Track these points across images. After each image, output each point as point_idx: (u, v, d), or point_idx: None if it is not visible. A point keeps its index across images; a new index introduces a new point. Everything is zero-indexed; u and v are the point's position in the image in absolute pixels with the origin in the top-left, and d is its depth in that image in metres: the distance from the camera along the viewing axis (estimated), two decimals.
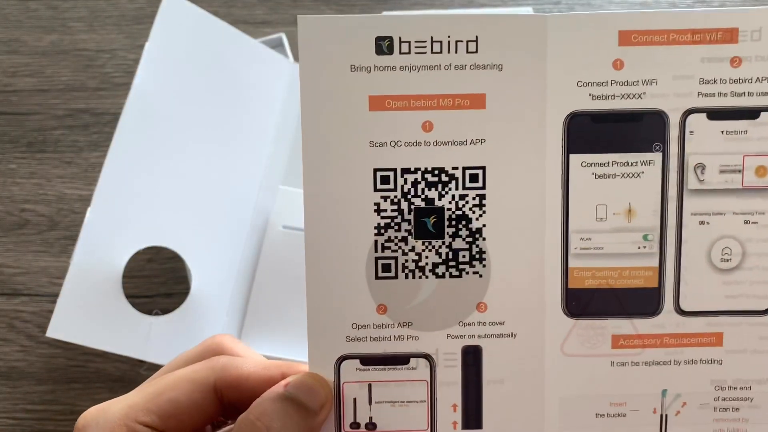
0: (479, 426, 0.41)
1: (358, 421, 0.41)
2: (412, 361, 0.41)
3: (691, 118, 0.39)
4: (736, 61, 0.39)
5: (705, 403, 0.41)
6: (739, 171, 0.39)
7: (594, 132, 0.39)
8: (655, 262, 0.40)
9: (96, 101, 0.77)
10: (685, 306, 0.41)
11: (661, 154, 0.39)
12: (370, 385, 0.41)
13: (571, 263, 0.40)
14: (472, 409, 0.41)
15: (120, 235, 0.60)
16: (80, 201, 0.73)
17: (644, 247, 0.40)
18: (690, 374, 0.41)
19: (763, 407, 0.41)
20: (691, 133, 0.39)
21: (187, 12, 0.67)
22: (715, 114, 0.39)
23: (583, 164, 0.40)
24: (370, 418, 0.41)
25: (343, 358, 0.40)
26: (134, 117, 0.61)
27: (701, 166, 0.40)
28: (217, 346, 0.42)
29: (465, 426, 0.41)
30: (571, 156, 0.40)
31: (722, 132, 0.39)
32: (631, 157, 0.39)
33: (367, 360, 0.40)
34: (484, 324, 0.40)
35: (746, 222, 0.40)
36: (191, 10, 0.67)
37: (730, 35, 0.39)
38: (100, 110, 0.76)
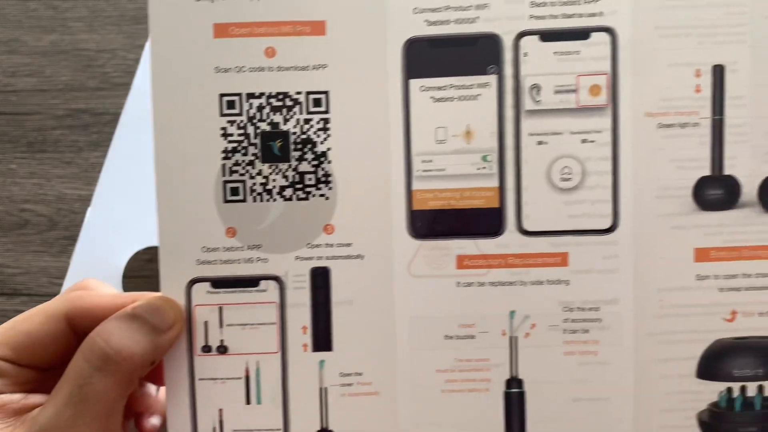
0: (329, 348, 0.42)
1: (209, 344, 0.42)
2: (262, 283, 0.41)
3: (524, 40, 0.40)
4: None
5: (554, 324, 0.41)
6: (574, 91, 0.41)
7: (431, 57, 0.41)
8: (496, 183, 0.41)
9: (96, 101, 0.78)
10: (528, 226, 0.41)
11: (496, 76, 0.41)
12: (220, 308, 0.41)
13: (415, 185, 0.41)
14: (321, 331, 0.42)
15: (120, 235, 0.61)
16: (80, 201, 0.74)
17: (484, 167, 0.41)
18: (537, 295, 0.41)
19: (613, 328, 0.41)
20: (525, 54, 0.41)
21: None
22: (547, 35, 0.40)
23: (422, 88, 0.41)
24: (222, 341, 0.42)
25: (193, 281, 0.41)
26: (134, 117, 0.64)
27: (536, 87, 0.41)
28: (80, 285, 0.44)
29: (315, 348, 0.42)
30: (411, 81, 0.41)
31: (555, 53, 0.40)
32: (468, 80, 0.41)
33: (218, 283, 0.41)
34: (332, 246, 0.41)
35: (584, 141, 0.41)
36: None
37: None
38: (100, 110, 0.78)
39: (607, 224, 0.41)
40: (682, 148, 0.41)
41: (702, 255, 0.41)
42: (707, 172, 0.41)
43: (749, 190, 0.41)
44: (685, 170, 0.41)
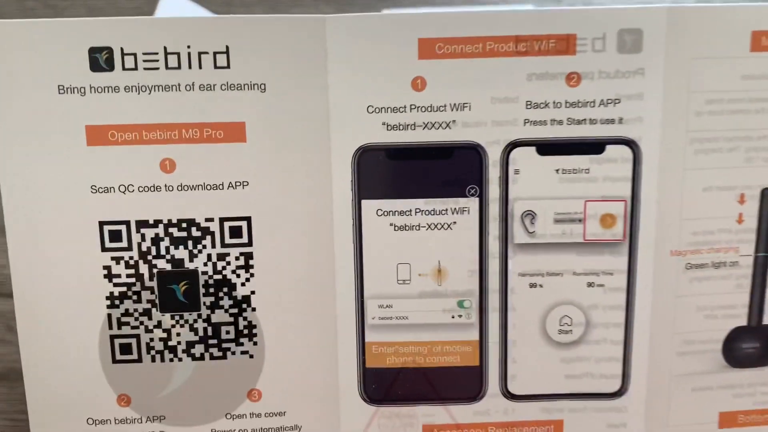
0: None
1: None
2: None
3: (515, 152, 0.30)
4: (573, 78, 0.29)
5: None
6: (580, 220, 0.31)
7: (391, 172, 0.30)
8: (475, 335, 0.32)
9: None
10: (514, 388, 0.32)
11: (477, 199, 0.30)
12: None
13: (369, 337, 0.31)
14: None
15: None
16: None
17: (460, 316, 0.31)
18: None
19: None
20: (517, 172, 0.30)
21: (186, 10, 0.61)
22: (546, 148, 0.30)
23: (380, 213, 0.30)
24: None
25: None
26: None
27: (531, 215, 0.31)
28: None
29: None
30: (363, 202, 0.30)
31: (557, 171, 0.30)
32: (440, 203, 0.30)
33: None
34: (259, 416, 0.32)
35: (590, 285, 0.31)
36: (190, 9, 0.62)
37: (565, 44, 0.29)
38: None
39: (614, 387, 0.32)
40: (714, 293, 0.31)
41: (728, 420, 0.33)
42: (742, 321, 0.32)
43: None
44: (715, 320, 0.32)
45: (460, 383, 0.32)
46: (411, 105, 0.29)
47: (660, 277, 0.31)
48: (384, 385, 0.32)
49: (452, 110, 0.30)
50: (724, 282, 0.31)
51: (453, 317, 0.31)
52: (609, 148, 0.30)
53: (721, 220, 0.31)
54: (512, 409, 0.32)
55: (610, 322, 0.31)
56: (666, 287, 0.31)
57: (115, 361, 0.31)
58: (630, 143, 0.30)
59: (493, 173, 0.30)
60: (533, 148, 0.30)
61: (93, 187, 0.29)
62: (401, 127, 0.30)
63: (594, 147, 0.30)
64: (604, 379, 0.32)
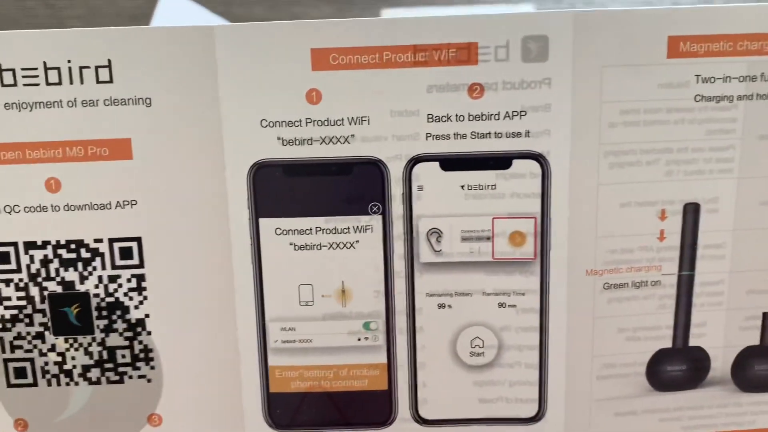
0: None
1: None
2: None
3: (418, 168, 0.28)
4: (476, 90, 0.28)
5: None
6: (488, 238, 0.29)
7: (289, 189, 0.29)
8: (383, 358, 0.30)
9: None
10: (426, 413, 0.31)
11: (380, 216, 0.29)
12: None
13: (272, 360, 0.30)
14: None
15: None
16: None
17: (366, 338, 0.30)
18: None
19: None
20: (420, 188, 0.29)
21: (185, 9, 0.61)
22: (451, 163, 0.28)
23: (278, 231, 0.29)
24: None
25: None
26: None
27: (436, 233, 0.29)
28: None
29: None
30: (261, 221, 0.29)
31: (462, 187, 0.28)
32: (341, 221, 0.29)
33: None
34: None
35: (501, 305, 0.29)
36: (189, 8, 0.62)
37: (467, 53, 0.27)
38: None
39: (531, 412, 0.30)
40: (635, 314, 0.30)
41: None
42: (667, 343, 0.30)
43: (720, 364, 0.30)
44: (638, 342, 0.30)
45: (369, 408, 0.31)
46: (306, 119, 0.28)
47: (575, 298, 0.29)
48: (289, 410, 0.31)
49: (350, 124, 0.28)
50: (645, 302, 0.29)
51: (359, 339, 0.30)
52: (516, 162, 0.28)
53: (641, 237, 0.29)
54: None
55: (524, 344, 0.30)
56: (582, 308, 0.29)
57: (10, 385, 0.30)
58: (538, 157, 0.28)
59: (396, 190, 0.29)
60: (437, 164, 0.28)
61: None
62: (297, 142, 0.28)
63: (500, 162, 0.28)
64: (520, 403, 0.30)
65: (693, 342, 0.30)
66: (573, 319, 0.29)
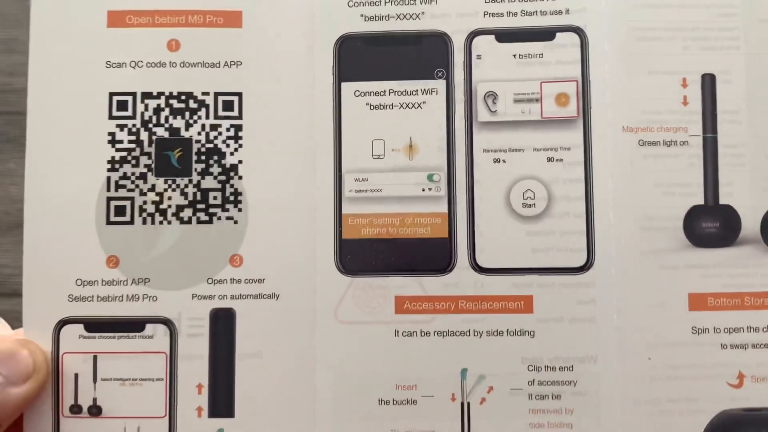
0: (230, 414, 0.32)
1: (79, 403, 0.32)
2: (149, 327, 0.33)
3: (477, 40, 0.34)
4: None
5: (517, 387, 0.33)
6: (537, 100, 0.34)
7: (368, 57, 0.34)
8: (444, 208, 0.34)
9: None
10: (483, 261, 0.33)
11: (444, 81, 0.34)
12: (95, 357, 0.32)
13: (345, 209, 0.34)
14: (222, 392, 0.33)
15: None
16: None
17: (430, 189, 0.34)
18: (495, 349, 0.33)
19: (591, 393, 0.32)
20: (479, 57, 0.34)
21: None
22: (504, 35, 0.34)
23: (357, 93, 0.34)
24: (95, 399, 0.32)
25: (63, 323, 0.33)
26: None
27: (492, 95, 0.34)
28: None
29: (212, 413, 0.32)
30: (343, 84, 0.34)
31: (514, 56, 0.34)
32: (411, 84, 0.34)
33: (93, 325, 0.33)
34: (239, 282, 0.33)
35: (549, 159, 0.34)
36: None
37: None
38: None
39: (580, 261, 0.33)
40: (668, 170, 0.34)
41: (698, 302, 0.33)
42: (700, 200, 0.34)
43: (750, 223, 0.34)
44: (673, 197, 0.33)
45: (431, 255, 0.33)
46: None
47: (615, 152, 0.33)
48: (359, 257, 0.33)
49: (421, 3, 0.34)
50: (676, 160, 0.33)
51: (423, 190, 0.34)
52: (559, 35, 0.34)
53: (668, 101, 0.34)
54: (482, 282, 0.33)
55: (571, 195, 0.33)
56: (622, 162, 0.33)
57: (108, 222, 0.33)
58: (577, 30, 0.34)
59: (458, 59, 0.34)
60: (493, 36, 0.34)
61: (108, 63, 0.34)
62: (377, 18, 0.34)
63: (546, 34, 0.34)
64: (570, 252, 0.33)
65: (723, 200, 0.33)
66: (614, 171, 0.33)
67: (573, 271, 0.33)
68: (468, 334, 0.33)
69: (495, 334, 0.33)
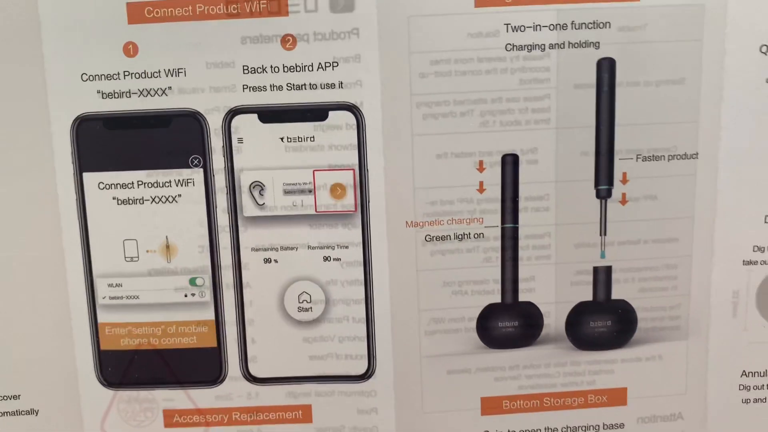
0: None
1: None
2: None
3: (237, 120, 0.29)
4: (289, 41, 0.28)
5: None
6: (310, 191, 0.29)
7: (110, 142, 0.29)
8: (210, 315, 0.30)
9: None
10: (256, 371, 0.30)
11: (202, 169, 0.29)
12: None
13: (101, 317, 0.30)
14: None
15: None
16: None
17: (193, 294, 0.30)
18: None
19: None
20: (240, 141, 0.29)
21: None
22: (268, 115, 0.28)
23: (101, 186, 0.29)
24: None
25: None
26: None
27: (259, 186, 0.29)
28: None
29: None
30: (85, 175, 0.29)
31: (282, 139, 0.29)
32: (162, 175, 0.29)
33: None
34: None
35: (326, 258, 0.29)
36: None
37: (277, 4, 0.28)
38: None
39: (361, 369, 0.30)
40: (460, 267, 0.29)
41: (492, 406, 0.31)
42: (496, 298, 0.30)
43: (554, 321, 0.30)
44: (465, 296, 0.30)
45: (198, 366, 0.30)
46: (125, 72, 0.28)
47: (397, 250, 0.29)
48: (120, 368, 0.30)
49: (167, 76, 0.28)
50: (470, 255, 0.29)
51: (186, 296, 0.30)
52: (332, 114, 0.28)
53: (460, 189, 0.29)
54: (256, 393, 0.30)
55: (351, 298, 0.30)
56: (405, 261, 0.29)
57: None
58: (352, 108, 0.28)
59: (216, 142, 0.29)
60: (255, 116, 0.28)
61: None
62: (116, 95, 0.29)
63: (316, 113, 0.28)
64: (350, 359, 0.30)
65: (523, 297, 0.30)
66: (396, 272, 0.29)
67: (353, 379, 0.30)
68: None
69: None
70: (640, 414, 0.31)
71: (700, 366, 0.30)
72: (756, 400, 0.31)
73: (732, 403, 0.31)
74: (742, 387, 0.31)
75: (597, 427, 0.31)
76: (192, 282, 0.30)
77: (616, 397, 0.31)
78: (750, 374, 0.30)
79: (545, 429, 0.31)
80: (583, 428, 0.31)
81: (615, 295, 0.30)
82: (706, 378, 0.30)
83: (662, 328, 0.30)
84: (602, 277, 0.30)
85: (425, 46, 0.28)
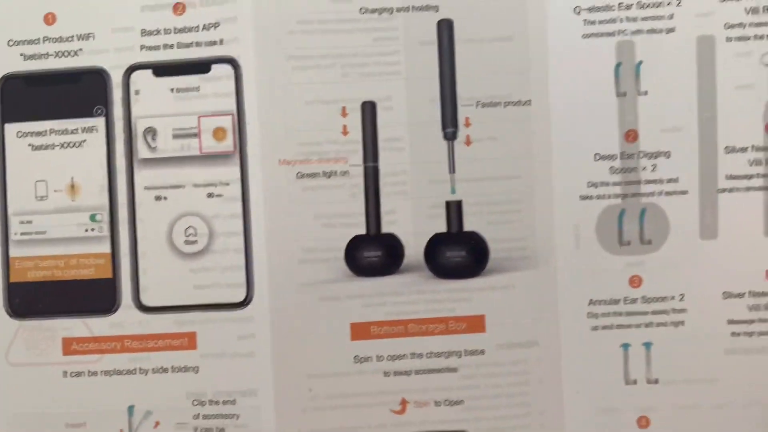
0: None
1: None
2: None
3: (135, 75, 0.33)
4: (179, 8, 0.33)
5: (183, 422, 0.33)
6: (196, 135, 0.33)
7: (29, 97, 0.34)
8: (107, 248, 0.34)
9: None
10: (147, 300, 0.34)
11: (104, 118, 0.34)
12: None
13: (12, 252, 0.34)
14: None
15: None
16: None
17: (93, 229, 0.34)
18: (161, 385, 0.33)
19: (251, 426, 0.33)
20: (137, 92, 0.34)
21: None
22: (161, 69, 0.33)
23: (19, 134, 0.34)
24: None
25: None
26: None
27: (152, 131, 0.34)
28: None
29: None
30: (7, 125, 0.34)
31: (172, 90, 0.33)
32: (71, 123, 0.34)
33: None
34: None
35: (210, 195, 0.33)
36: None
37: None
38: None
39: (240, 297, 0.33)
40: (329, 201, 0.33)
41: (360, 331, 0.33)
42: (362, 230, 0.33)
43: (414, 251, 0.34)
44: (334, 228, 0.33)
45: (95, 296, 0.34)
46: (44, 37, 0.34)
47: (271, 186, 0.33)
48: (26, 300, 0.34)
49: (79, 40, 0.34)
50: (337, 191, 0.33)
51: (86, 231, 0.34)
52: (214, 67, 0.33)
53: (327, 132, 0.33)
54: (147, 321, 0.33)
55: (231, 231, 0.33)
56: (279, 196, 0.33)
57: None
58: (231, 61, 0.33)
59: (117, 94, 0.34)
60: (150, 71, 0.33)
61: None
62: (36, 57, 0.34)
63: (201, 66, 0.33)
64: (230, 288, 0.33)
65: (386, 229, 0.33)
66: (271, 206, 0.33)
67: (233, 307, 0.33)
68: (134, 372, 0.33)
69: (160, 371, 0.33)
70: (499, 341, 0.33)
71: (550, 295, 0.33)
72: (604, 327, 0.33)
73: (582, 330, 0.33)
74: (590, 315, 0.33)
75: (459, 353, 0.33)
76: (92, 218, 0.34)
77: (475, 324, 0.33)
78: (596, 302, 0.33)
79: (411, 354, 0.33)
80: (446, 353, 0.33)
81: (467, 227, 0.33)
82: (557, 307, 0.33)
83: (512, 258, 0.33)
84: (454, 210, 0.33)
85: (293, 8, 0.33)
